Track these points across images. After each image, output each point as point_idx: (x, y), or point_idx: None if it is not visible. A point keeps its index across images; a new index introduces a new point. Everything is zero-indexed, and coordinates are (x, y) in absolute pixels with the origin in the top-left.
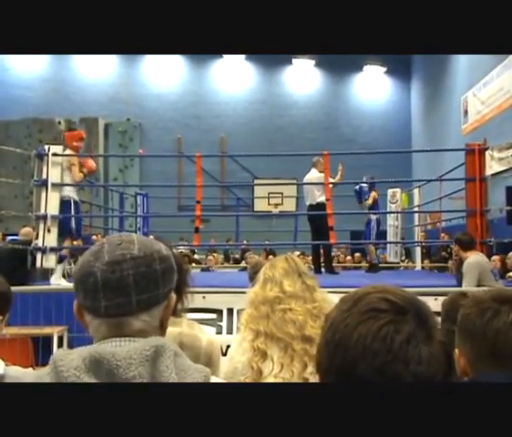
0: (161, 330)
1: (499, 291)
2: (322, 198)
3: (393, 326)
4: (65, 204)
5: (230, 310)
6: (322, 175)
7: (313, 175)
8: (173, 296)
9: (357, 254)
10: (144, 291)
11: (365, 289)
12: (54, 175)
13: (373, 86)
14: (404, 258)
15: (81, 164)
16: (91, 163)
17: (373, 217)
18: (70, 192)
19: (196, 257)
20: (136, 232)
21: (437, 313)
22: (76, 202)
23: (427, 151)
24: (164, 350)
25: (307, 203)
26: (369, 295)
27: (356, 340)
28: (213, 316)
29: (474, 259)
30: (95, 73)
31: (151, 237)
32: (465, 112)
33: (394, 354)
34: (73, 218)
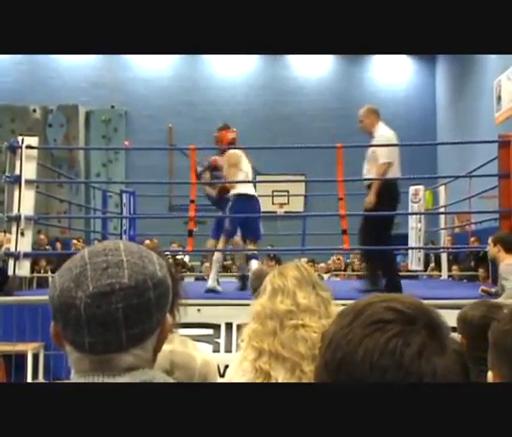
0: (154, 357)
1: None
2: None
3: (402, 338)
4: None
5: (229, 325)
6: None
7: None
8: (168, 319)
9: None
10: (135, 325)
11: (367, 299)
12: (28, 170)
13: (392, 69)
14: (433, 265)
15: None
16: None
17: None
18: (241, 188)
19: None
20: (121, 235)
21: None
22: (249, 196)
23: (455, 143)
24: None
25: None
26: (372, 305)
27: (362, 358)
28: (209, 331)
29: None
30: (74, 54)
31: (147, 242)
32: (499, 98)
33: (406, 370)
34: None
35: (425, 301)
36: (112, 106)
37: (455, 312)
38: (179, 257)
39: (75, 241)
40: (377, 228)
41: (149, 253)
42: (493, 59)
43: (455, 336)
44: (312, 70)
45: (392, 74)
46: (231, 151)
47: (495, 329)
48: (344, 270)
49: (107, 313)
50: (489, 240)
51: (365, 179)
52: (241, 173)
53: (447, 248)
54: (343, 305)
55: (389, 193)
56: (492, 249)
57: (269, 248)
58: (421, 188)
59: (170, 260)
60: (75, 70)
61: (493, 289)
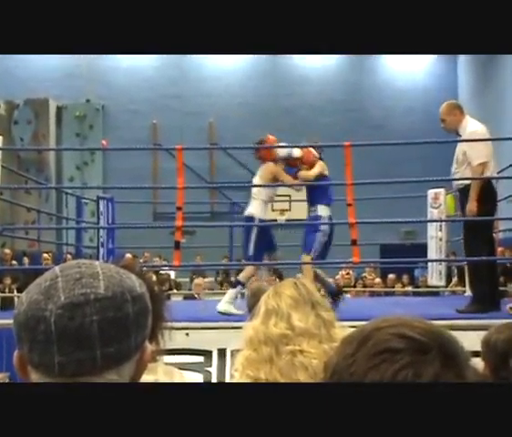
0: None
1: None
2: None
3: (412, 369)
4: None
5: (222, 352)
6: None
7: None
8: (147, 346)
9: (391, 275)
10: (112, 343)
11: (374, 323)
12: None
13: (409, 55)
14: (456, 279)
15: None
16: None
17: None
18: (257, 209)
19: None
20: (98, 248)
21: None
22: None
23: (479, 140)
24: None
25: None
26: (379, 331)
27: None
28: (200, 359)
29: None
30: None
31: (128, 256)
32: None
33: None
34: (252, 240)
35: (444, 321)
36: (87, 100)
37: (480, 334)
38: (163, 272)
39: (45, 255)
40: (482, 233)
41: (127, 272)
42: None
43: (478, 362)
44: (317, 57)
45: (409, 61)
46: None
47: None
48: (354, 286)
49: (81, 327)
50: None
51: (375, 182)
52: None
53: (471, 261)
54: (351, 327)
55: (488, 193)
56: None
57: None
58: (441, 191)
59: (153, 277)
60: (45, 59)
61: None
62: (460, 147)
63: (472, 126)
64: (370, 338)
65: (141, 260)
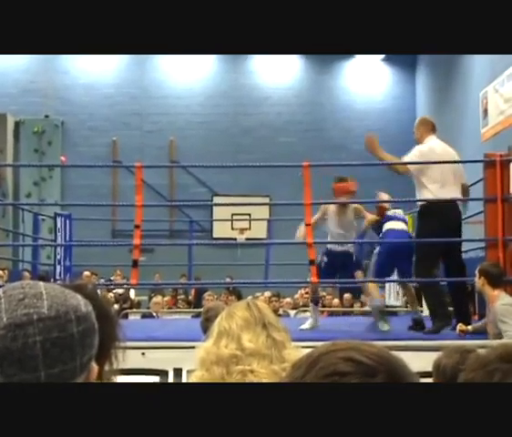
0: None
1: (507, 348)
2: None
3: None
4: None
5: (178, 371)
6: None
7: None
8: (94, 367)
9: (347, 295)
10: (56, 364)
11: (323, 347)
12: None
13: (368, 78)
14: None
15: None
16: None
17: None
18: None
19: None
20: (55, 266)
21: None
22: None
23: (436, 163)
24: None
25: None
26: (327, 355)
27: None
28: (155, 379)
29: (509, 300)
30: (2, 55)
31: (86, 273)
32: (485, 112)
33: None
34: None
35: (399, 342)
36: (46, 116)
37: (433, 355)
38: (121, 290)
39: (0, 272)
40: (426, 256)
41: (72, 292)
42: (478, 69)
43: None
44: (277, 78)
45: (367, 83)
46: None
47: (462, 378)
48: None
49: (24, 347)
50: (476, 271)
51: (335, 202)
52: None
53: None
54: (305, 347)
55: (430, 215)
56: (477, 282)
57: (227, 280)
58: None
59: (110, 295)
60: (2, 73)
61: (469, 327)
62: None
63: (423, 145)
64: (318, 361)
65: (112, 277)
